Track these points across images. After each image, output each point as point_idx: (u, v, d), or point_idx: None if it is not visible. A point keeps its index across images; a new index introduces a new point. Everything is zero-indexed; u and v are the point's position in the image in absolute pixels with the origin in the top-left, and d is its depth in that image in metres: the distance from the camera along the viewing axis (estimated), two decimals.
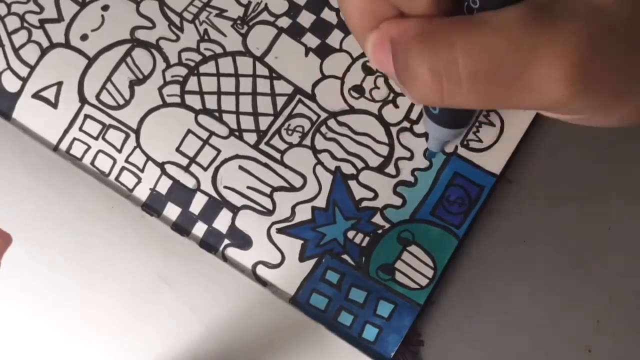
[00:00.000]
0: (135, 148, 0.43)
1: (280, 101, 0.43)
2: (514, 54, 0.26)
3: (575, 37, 0.26)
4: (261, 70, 0.44)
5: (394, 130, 0.43)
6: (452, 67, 0.27)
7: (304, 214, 0.42)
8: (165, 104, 0.43)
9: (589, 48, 0.26)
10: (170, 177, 0.43)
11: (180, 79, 0.44)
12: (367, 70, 0.44)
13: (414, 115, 0.43)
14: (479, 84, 0.27)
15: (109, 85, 0.43)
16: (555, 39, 0.26)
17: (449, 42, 0.27)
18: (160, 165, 0.43)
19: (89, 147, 0.43)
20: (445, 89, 0.28)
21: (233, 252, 0.42)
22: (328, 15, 0.44)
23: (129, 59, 0.44)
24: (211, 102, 0.43)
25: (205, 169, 0.43)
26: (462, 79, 0.27)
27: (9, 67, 0.43)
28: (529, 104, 0.28)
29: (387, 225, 0.42)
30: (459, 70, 0.27)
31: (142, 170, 0.43)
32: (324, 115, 0.43)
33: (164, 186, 0.43)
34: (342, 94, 0.44)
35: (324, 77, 0.44)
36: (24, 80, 0.43)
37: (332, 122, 0.43)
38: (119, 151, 0.43)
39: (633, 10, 0.27)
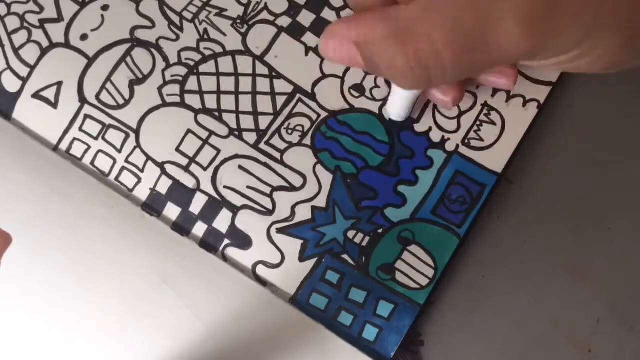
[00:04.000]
0: (135, 148, 0.43)
1: (280, 100, 0.43)
2: (479, 23, 0.29)
3: None
4: (261, 69, 0.44)
5: (394, 128, 0.43)
6: (436, 58, 0.30)
7: (304, 213, 0.42)
8: (165, 104, 0.43)
9: (540, 5, 0.29)
10: (170, 177, 0.43)
11: (180, 78, 0.43)
12: None
13: (414, 114, 0.43)
14: (460, 62, 0.30)
15: (108, 85, 0.43)
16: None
17: (426, 35, 0.30)
18: (160, 165, 0.43)
19: (89, 147, 0.43)
20: (432, 75, 0.31)
21: (233, 252, 0.42)
22: (328, 14, 0.44)
23: (128, 59, 0.44)
24: (211, 102, 0.43)
25: (205, 169, 0.43)
26: (446, 64, 0.30)
27: (9, 67, 0.43)
28: (502, 62, 0.31)
29: (387, 225, 0.42)
30: (442, 58, 0.30)
31: (142, 170, 0.43)
32: (324, 114, 0.43)
33: (164, 186, 0.43)
34: (342, 93, 0.44)
35: (324, 76, 0.44)
36: (24, 80, 0.43)
37: (332, 121, 0.43)
38: (119, 151, 0.43)
39: None
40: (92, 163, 0.43)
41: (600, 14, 0.29)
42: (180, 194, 0.43)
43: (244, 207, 0.42)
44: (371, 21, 0.31)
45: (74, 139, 0.43)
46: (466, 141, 0.43)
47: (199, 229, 0.43)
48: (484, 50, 0.29)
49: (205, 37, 0.44)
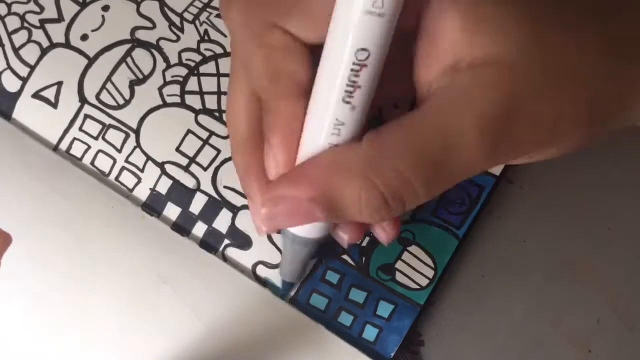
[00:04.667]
0: (135, 148, 0.43)
1: None
2: (441, 144, 0.28)
3: (481, 115, 0.28)
4: None
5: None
6: (409, 189, 0.29)
7: None
8: (165, 104, 0.43)
9: (496, 119, 0.28)
10: (170, 177, 0.43)
11: (180, 79, 0.44)
12: None
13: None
14: (430, 185, 0.29)
15: (109, 85, 0.43)
16: (463, 120, 0.28)
17: (394, 169, 0.29)
18: (160, 165, 0.43)
19: (89, 147, 0.43)
20: (407, 205, 0.30)
21: (233, 252, 0.42)
22: None
23: (129, 59, 0.44)
24: (211, 102, 0.43)
25: (205, 169, 0.43)
26: (419, 192, 0.29)
27: (9, 67, 0.43)
28: (470, 174, 0.30)
29: None
30: (415, 188, 0.29)
31: (142, 170, 0.43)
32: None
33: (164, 186, 0.43)
34: None
35: None
36: (24, 80, 0.43)
37: None
38: (119, 151, 0.43)
39: (537, 66, 0.28)
40: (92, 163, 0.43)
41: (559, 119, 0.29)
42: (180, 194, 0.43)
43: (244, 207, 0.42)
44: (325, 172, 0.30)
45: (74, 138, 0.43)
46: None
47: (199, 229, 0.42)
48: (450, 169, 0.29)
49: (206, 38, 0.44)
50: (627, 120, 0.32)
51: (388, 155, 0.29)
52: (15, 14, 0.44)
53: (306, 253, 0.37)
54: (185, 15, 0.44)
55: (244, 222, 0.42)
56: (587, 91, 0.29)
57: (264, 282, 0.42)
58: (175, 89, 0.43)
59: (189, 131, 0.43)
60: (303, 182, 0.30)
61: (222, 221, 0.43)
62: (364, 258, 0.42)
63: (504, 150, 0.29)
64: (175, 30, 0.44)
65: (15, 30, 0.44)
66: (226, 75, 0.44)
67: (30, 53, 0.44)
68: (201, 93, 0.43)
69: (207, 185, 0.43)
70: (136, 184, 0.43)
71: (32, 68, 0.43)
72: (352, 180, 0.29)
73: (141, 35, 0.44)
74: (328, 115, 0.29)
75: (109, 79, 0.43)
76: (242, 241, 0.42)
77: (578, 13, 0.29)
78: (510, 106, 0.28)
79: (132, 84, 0.43)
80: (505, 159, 0.31)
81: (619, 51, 0.29)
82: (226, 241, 0.42)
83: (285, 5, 0.30)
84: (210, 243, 0.42)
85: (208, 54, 0.44)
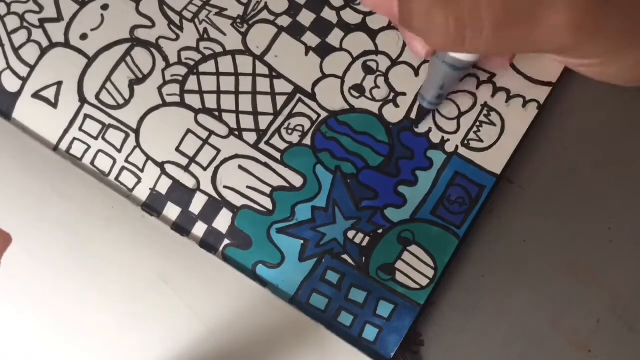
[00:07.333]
0: (135, 148, 0.43)
1: (280, 100, 0.43)
2: (529, 3, 0.28)
3: None
4: (261, 69, 0.44)
5: (394, 129, 0.43)
6: (475, 17, 0.29)
7: (304, 213, 0.42)
8: (165, 104, 0.43)
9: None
10: (170, 177, 0.43)
11: (180, 78, 0.43)
12: (368, 70, 0.44)
13: (414, 115, 0.43)
14: (500, 31, 0.29)
15: (108, 85, 0.43)
16: None
17: None
18: (160, 165, 0.43)
19: (89, 147, 0.43)
20: (468, 37, 0.30)
21: (233, 252, 0.42)
22: (328, 14, 0.44)
23: (128, 59, 0.44)
24: (211, 102, 0.43)
25: (205, 169, 0.43)
26: (485, 27, 0.29)
27: (9, 67, 0.43)
28: (541, 48, 0.30)
29: (387, 225, 0.42)
30: (482, 19, 0.29)
31: (142, 170, 0.43)
32: (324, 114, 0.43)
33: (163, 186, 0.43)
34: (342, 93, 0.44)
35: (324, 76, 0.44)
36: (24, 80, 0.43)
37: (332, 122, 0.43)
38: (119, 151, 0.43)
39: None
40: (92, 163, 0.43)
41: None
42: (180, 194, 0.43)
43: (244, 207, 0.42)
44: None
45: (74, 138, 0.43)
46: (466, 142, 0.43)
47: (199, 229, 0.43)
48: (527, 29, 0.29)
49: (205, 36, 0.44)
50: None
51: None
52: (15, 13, 0.44)
53: (454, 75, 0.38)
54: (185, 13, 0.44)
55: (244, 222, 0.42)
56: None
57: (264, 282, 0.42)
58: (174, 88, 0.43)
59: (188, 131, 0.43)
60: None
61: (222, 221, 0.43)
62: (364, 258, 0.42)
63: (585, 34, 0.29)
64: (175, 29, 0.44)
65: (15, 30, 0.44)
66: (226, 74, 0.44)
67: (30, 53, 0.43)
68: (201, 92, 0.43)
69: (207, 185, 0.43)
70: (136, 184, 0.43)
71: (32, 68, 0.43)
72: None
73: (140, 34, 0.44)
74: None
75: (108, 78, 0.43)
76: (242, 241, 0.42)
77: None
78: None
79: (132, 84, 0.43)
80: (581, 44, 0.30)
81: None
82: (226, 241, 0.42)
83: None
84: (210, 243, 0.42)
85: (207, 52, 0.44)
